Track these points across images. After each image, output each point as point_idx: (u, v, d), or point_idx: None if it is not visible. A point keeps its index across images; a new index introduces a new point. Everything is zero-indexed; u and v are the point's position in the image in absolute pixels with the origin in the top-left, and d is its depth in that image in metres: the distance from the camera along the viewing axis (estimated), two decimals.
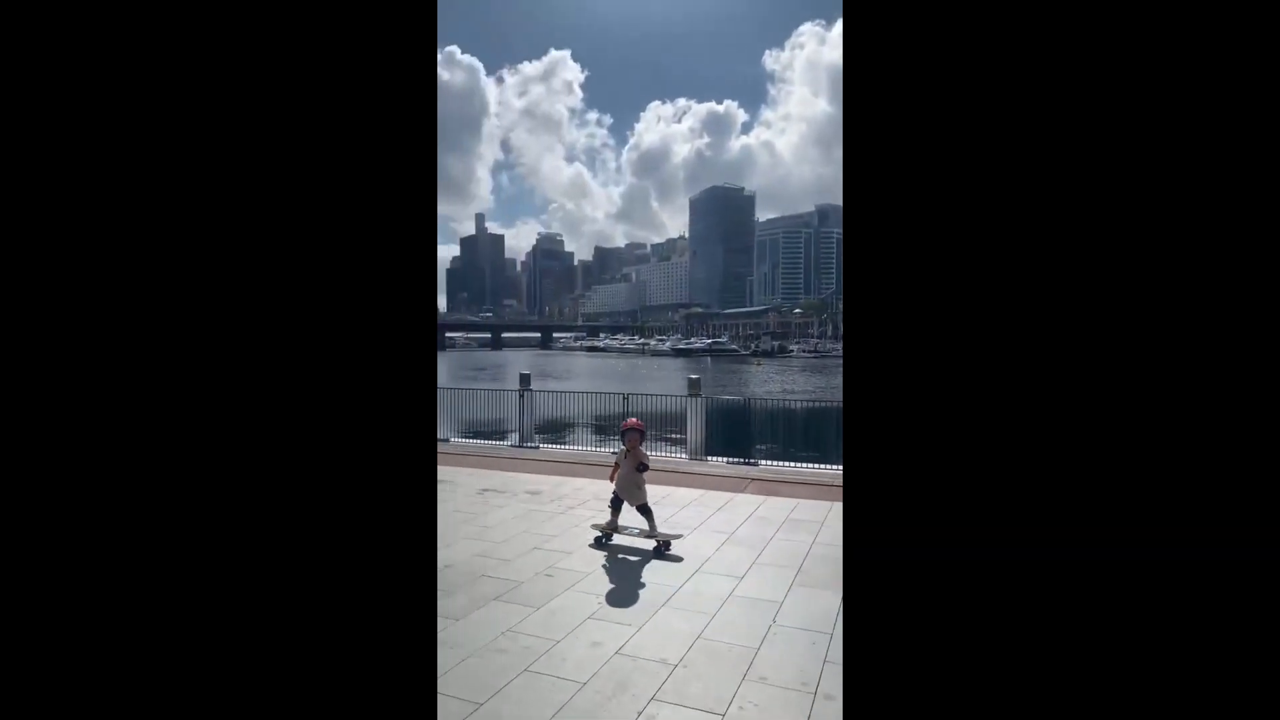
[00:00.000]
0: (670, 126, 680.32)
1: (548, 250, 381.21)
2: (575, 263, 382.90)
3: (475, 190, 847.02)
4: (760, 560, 4.95)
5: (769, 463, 8.80)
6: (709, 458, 9.10)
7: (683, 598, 4.23)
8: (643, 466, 5.43)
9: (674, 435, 9.99)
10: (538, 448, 10.09)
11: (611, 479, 5.56)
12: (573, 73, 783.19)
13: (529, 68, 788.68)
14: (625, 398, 10.29)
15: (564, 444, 10.66)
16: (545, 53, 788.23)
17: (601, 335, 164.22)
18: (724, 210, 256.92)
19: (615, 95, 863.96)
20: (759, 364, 73.97)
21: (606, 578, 4.63)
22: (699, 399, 9.32)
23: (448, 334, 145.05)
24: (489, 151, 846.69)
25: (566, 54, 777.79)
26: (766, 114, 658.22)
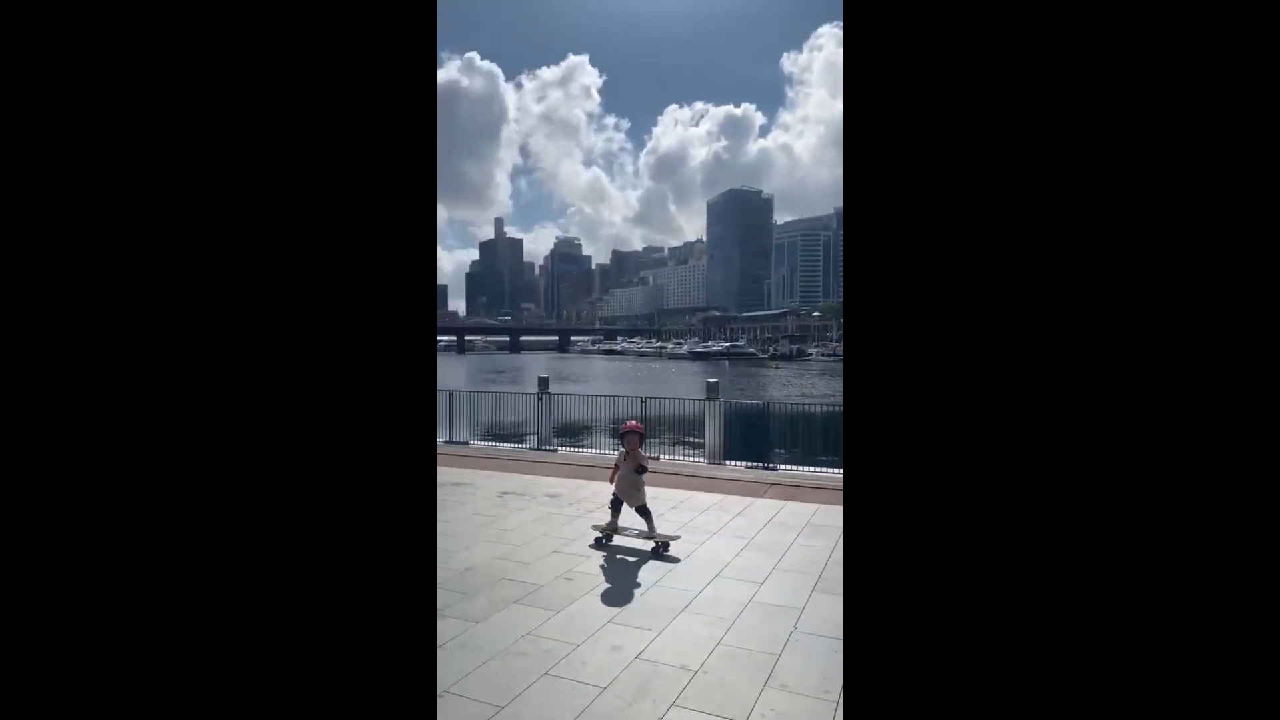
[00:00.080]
0: (688, 130, 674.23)
1: (565, 254, 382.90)
2: (593, 266, 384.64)
3: (494, 195, 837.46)
4: (780, 566, 4.92)
5: (788, 467, 8.74)
6: (728, 462, 9.07)
7: (703, 603, 4.22)
8: (642, 468, 5.51)
9: (692, 439, 9.96)
10: (556, 451, 10.13)
11: (611, 481, 5.63)
12: (590, 77, 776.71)
13: (547, 73, 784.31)
14: (643, 401, 10.28)
15: (582, 447, 10.68)
16: (564, 58, 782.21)
17: (619, 339, 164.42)
18: (741, 213, 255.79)
19: (633, 99, 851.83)
20: (777, 367, 73.72)
21: (626, 582, 4.63)
22: (717, 403, 9.29)
23: (467, 337, 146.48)
24: (508, 156, 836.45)
25: (584, 59, 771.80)
26: (784, 116, 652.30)
